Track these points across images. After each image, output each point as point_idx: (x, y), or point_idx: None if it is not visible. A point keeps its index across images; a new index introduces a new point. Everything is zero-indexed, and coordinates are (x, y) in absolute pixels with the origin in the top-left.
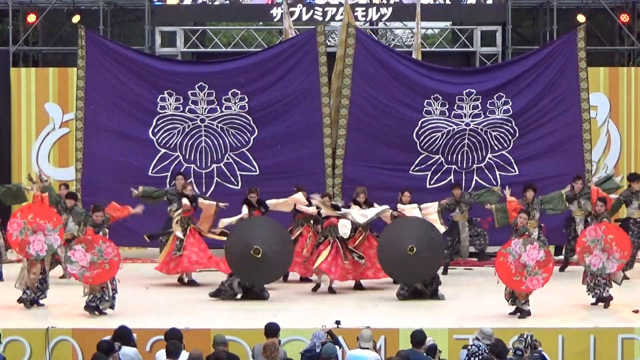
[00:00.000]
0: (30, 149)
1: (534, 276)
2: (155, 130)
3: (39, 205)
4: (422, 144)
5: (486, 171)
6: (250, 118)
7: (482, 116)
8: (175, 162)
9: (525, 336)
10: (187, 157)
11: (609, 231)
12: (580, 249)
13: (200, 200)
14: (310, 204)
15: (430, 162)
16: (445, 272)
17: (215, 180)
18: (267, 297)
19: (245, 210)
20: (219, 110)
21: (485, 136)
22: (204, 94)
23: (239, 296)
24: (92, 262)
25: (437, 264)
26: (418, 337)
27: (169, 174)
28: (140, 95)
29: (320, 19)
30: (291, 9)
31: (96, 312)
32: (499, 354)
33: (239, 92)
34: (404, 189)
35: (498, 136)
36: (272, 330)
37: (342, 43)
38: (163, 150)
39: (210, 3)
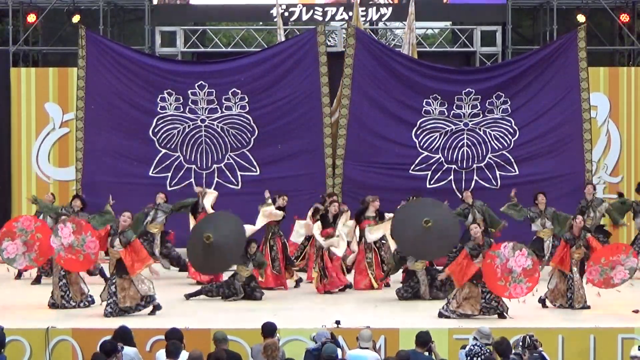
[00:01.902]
0: (30, 149)
1: (519, 284)
2: (156, 131)
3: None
4: (421, 144)
5: (486, 171)
6: (250, 118)
7: (481, 116)
8: (176, 163)
9: (525, 337)
10: (187, 157)
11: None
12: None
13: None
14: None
15: (431, 161)
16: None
17: (215, 181)
18: (259, 297)
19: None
20: (220, 111)
21: (484, 136)
22: (204, 93)
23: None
24: (71, 245)
25: (452, 241)
26: (423, 337)
27: (169, 174)
28: (140, 95)
29: (320, 19)
30: (291, 9)
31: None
32: (502, 352)
33: (239, 91)
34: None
35: (498, 136)
36: (269, 329)
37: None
38: (163, 151)
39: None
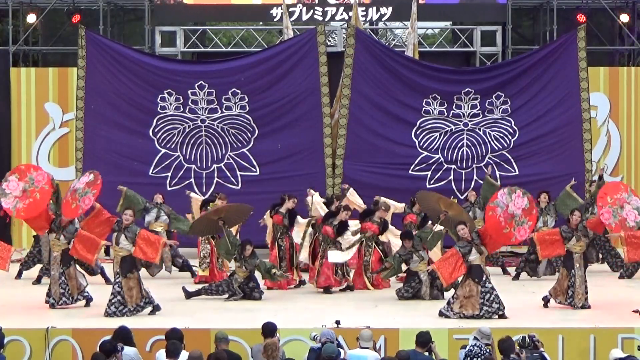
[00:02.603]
0: (30, 149)
1: (521, 226)
2: (156, 130)
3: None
4: (421, 144)
5: (486, 171)
6: (250, 118)
7: (481, 115)
8: (176, 162)
9: (524, 337)
10: (187, 157)
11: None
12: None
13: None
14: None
15: (430, 161)
16: None
17: (215, 181)
18: (258, 297)
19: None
20: (220, 111)
21: (484, 135)
22: (204, 93)
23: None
24: (24, 190)
25: None
26: (424, 337)
27: (169, 174)
28: (140, 95)
29: (320, 19)
30: (291, 9)
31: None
32: (504, 351)
33: (239, 91)
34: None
35: (497, 135)
36: (269, 330)
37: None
38: (163, 150)
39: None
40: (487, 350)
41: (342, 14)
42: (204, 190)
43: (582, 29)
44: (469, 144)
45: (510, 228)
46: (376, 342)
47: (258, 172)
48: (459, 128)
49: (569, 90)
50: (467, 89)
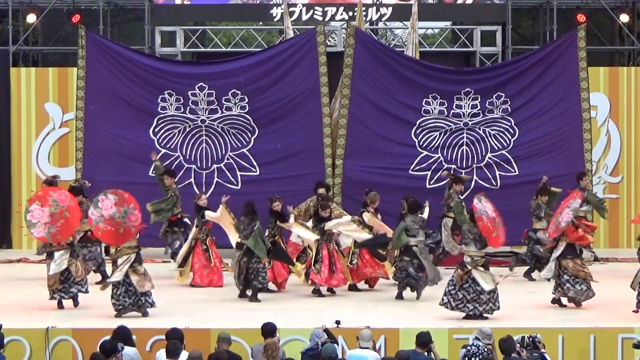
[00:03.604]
0: (30, 149)
1: (500, 227)
2: (156, 131)
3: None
4: (421, 143)
5: (486, 170)
6: (250, 118)
7: (481, 115)
8: (176, 163)
9: (523, 337)
10: (187, 157)
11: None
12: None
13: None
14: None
15: (430, 161)
16: None
17: (215, 181)
18: (258, 300)
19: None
20: (220, 111)
21: (484, 135)
22: (204, 94)
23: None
24: (52, 214)
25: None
26: (424, 338)
27: None
28: (140, 95)
29: (320, 19)
30: (291, 9)
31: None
32: (505, 350)
33: (239, 92)
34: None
35: (497, 135)
36: (268, 330)
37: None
38: (164, 151)
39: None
40: (487, 350)
41: (342, 14)
42: (204, 190)
43: (582, 29)
44: (469, 143)
45: (497, 231)
46: (376, 342)
47: (258, 172)
48: (458, 127)
49: (569, 90)
50: (467, 89)
